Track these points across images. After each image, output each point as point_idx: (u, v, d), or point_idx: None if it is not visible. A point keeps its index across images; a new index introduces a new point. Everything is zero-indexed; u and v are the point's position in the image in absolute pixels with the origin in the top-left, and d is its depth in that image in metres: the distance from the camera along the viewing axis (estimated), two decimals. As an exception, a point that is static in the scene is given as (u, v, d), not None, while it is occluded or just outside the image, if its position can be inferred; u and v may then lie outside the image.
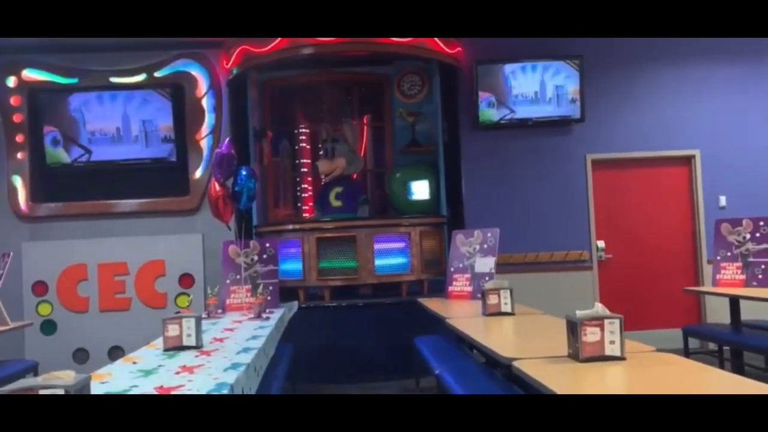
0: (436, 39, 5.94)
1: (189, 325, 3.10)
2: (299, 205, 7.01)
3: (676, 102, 6.46)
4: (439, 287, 6.11)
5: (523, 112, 6.34)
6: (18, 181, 6.34)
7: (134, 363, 2.77)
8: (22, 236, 6.29)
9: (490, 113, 6.35)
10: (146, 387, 2.23)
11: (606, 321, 2.33)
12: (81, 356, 6.24)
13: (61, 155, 6.37)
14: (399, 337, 5.36)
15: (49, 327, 6.21)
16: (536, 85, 6.33)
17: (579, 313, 2.38)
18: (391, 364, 5.55)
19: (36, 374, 5.12)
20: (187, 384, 2.25)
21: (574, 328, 2.37)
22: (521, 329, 3.51)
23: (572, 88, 6.31)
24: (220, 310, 4.72)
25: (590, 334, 2.32)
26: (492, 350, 2.74)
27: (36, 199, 6.39)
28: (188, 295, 6.35)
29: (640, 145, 6.44)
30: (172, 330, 3.10)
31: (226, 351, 3.00)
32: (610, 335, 2.33)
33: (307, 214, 6.82)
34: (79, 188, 6.42)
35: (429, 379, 5.08)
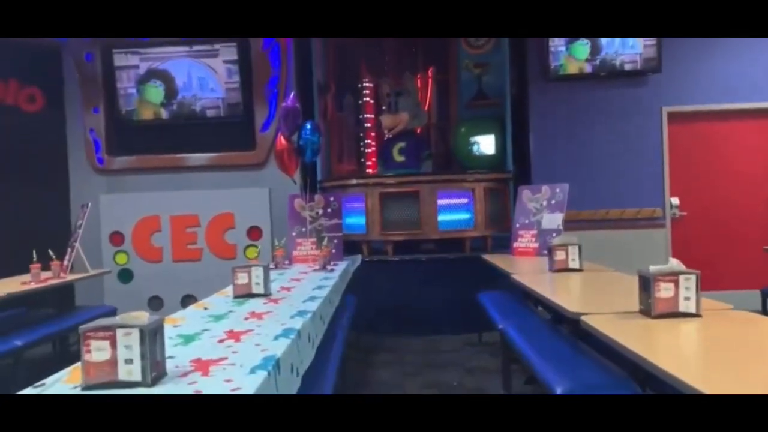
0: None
1: (258, 273, 3.18)
2: (362, 160, 7.02)
3: (759, 49, 6.01)
4: (503, 244, 6.04)
5: (596, 63, 6.06)
6: (95, 135, 6.58)
7: (205, 309, 2.86)
8: (100, 188, 6.56)
9: (561, 65, 6.10)
10: (217, 331, 2.30)
11: (681, 276, 2.24)
12: (155, 304, 6.53)
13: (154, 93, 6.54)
14: (462, 293, 5.35)
15: (125, 275, 6.51)
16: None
17: (652, 268, 2.29)
18: (454, 318, 5.56)
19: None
20: (255, 329, 2.30)
21: (646, 284, 2.28)
22: (589, 285, 3.42)
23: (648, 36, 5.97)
24: (287, 262, 4.82)
25: (664, 290, 2.23)
26: (559, 305, 2.69)
27: (111, 153, 6.64)
28: (257, 247, 6.50)
29: (722, 98, 6.06)
30: (242, 278, 3.18)
31: (292, 299, 3.06)
32: (685, 291, 2.23)
33: (370, 170, 6.83)
34: (150, 143, 6.62)
35: (492, 334, 5.07)
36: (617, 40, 5.98)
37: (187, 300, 6.53)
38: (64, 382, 1.71)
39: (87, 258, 5.23)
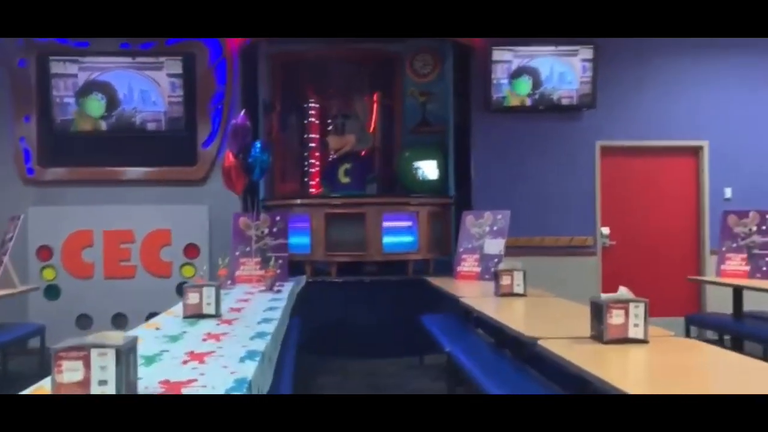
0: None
1: (209, 293, 3.13)
2: (306, 180, 7.01)
3: (687, 92, 6.47)
4: (444, 267, 6.16)
5: (534, 97, 6.33)
6: (25, 144, 6.29)
7: (157, 329, 2.79)
8: (28, 200, 6.25)
9: (502, 97, 6.34)
10: (177, 352, 2.25)
11: (631, 304, 2.37)
12: (84, 322, 6.24)
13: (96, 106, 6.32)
14: (403, 315, 5.41)
15: (52, 292, 6.19)
16: (549, 71, 6.32)
17: (604, 295, 2.42)
18: (397, 340, 5.60)
19: (43, 338, 5.15)
20: (217, 351, 2.27)
21: (599, 310, 2.40)
22: (536, 311, 3.55)
23: (585, 74, 6.30)
24: (229, 282, 4.74)
25: (615, 317, 2.36)
26: (515, 330, 2.78)
27: (42, 164, 6.35)
28: (193, 266, 6.36)
29: (650, 134, 6.46)
30: (193, 298, 3.12)
31: (246, 321, 3.03)
32: (634, 318, 2.37)
33: (313, 190, 6.82)
34: (86, 154, 6.37)
35: (432, 357, 5.15)
36: (556, 75, 6.28)
37: (118, 319, 6.29)
38: (27, 404, 1.64)
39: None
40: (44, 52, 6.28)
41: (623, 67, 6.43)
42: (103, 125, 6.31)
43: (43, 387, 1.80)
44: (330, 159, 6.71)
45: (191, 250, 6.36)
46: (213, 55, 6.39)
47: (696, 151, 6.54)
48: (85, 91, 6.27)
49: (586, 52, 6.30)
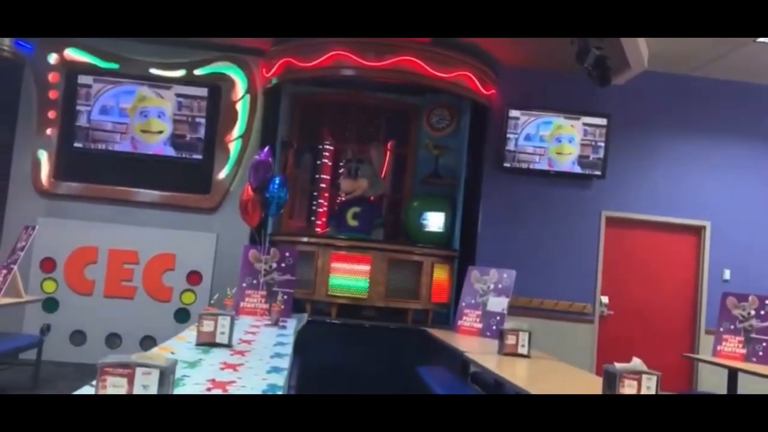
0: (473, 78, 6.10)
1: (224, 323, 3.16)
2: (313, 219, 7.08)
3: (694, 172, 6.66)
4: (442, 318, 6.21)
5: (547, 162, 6.50)
6: (43, 157, 6.37)
7: (172, 353, 2.81)
8: (38, 211, 6.30)
9: (514, 158, 6.51)
10: (198, 378, 2.28)
11: (644, 376, 2.43)
12: (78, 338, 6.23)
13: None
14: (399, 363, 5.42)
15: (51, 305, 6.19)
16: (563, 138, 6.50)
17: (618, 365, 2.48)
18: (392, 389, 5.58)
19: (40, 351, 5.13)
20: (237, 381, 2.30)
21: (612, 379, 2.46)
22: (540, 372, 3.58)
23: (597, 145, 6.48)
24: (233, 312, 4.75)
25: (627, 387, 2.42)
26: (520, 388, 2.82)
27: (58, 177, 6.42)
28: (194, 293, 6.38)
29: (655, 209, 6.61)
30: (207, 326, 3.15)
31: (258, 354, 3.05)
32: (646, 390, 2.42)
33: (319, 229, 6.89)
34: (101, 172, 6.47)
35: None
36: (569, 141, 6.46)
37: (112, 339, 6.28)
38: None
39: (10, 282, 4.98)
40: (74, 69, 6.43)
41: (633, 141, 6.63)
42: (124, 146, 6.42)
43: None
44: (339, 201, 6.81)
45: (194, 277, 6.40)
46: (239, 90, 6.54)
47: (698, 231, 6.68)
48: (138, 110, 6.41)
49: (599, 123, 6.49)
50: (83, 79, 6.40)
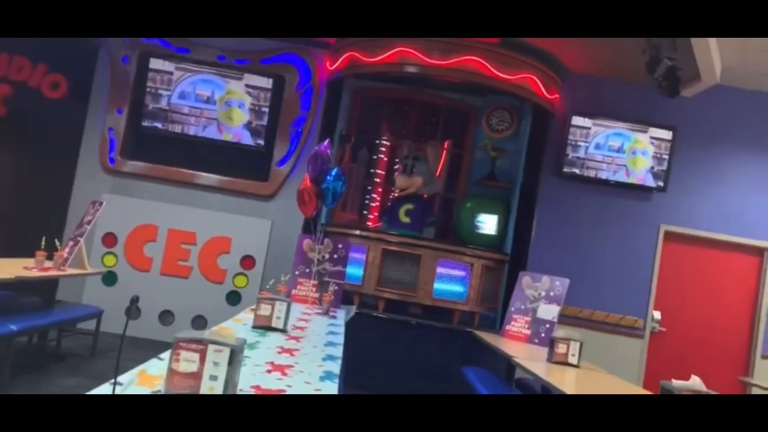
0: (537, 81, 6.03)
1: (281, 308, 3.24)
2: (365, 212, 7.14)
3: (759, 192, 6.43)
4: (488, 322, 6.18)
5: (607, 171, 6.39)
6: (112, 135, 6.61)
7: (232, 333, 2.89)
8: (104, 188, 6.54)
9: (574, 165, 6.42)
10: (257, 360, 2.35)
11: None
12: (133, 312, 6.44)
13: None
14: (443, 363, 5.44)
15: (110, 278, 6.42)
16: (624, 148, 6.38)
17: (675, 382, 2.43)
18: (434, 387, 5.59)
19: (99, 321, 5.33)
20: (295, 366, 2.36)
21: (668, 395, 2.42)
22: (590, 384, 3.54)
23: (660, 157, 6.33)
24: (289, 299, 4.84)
25: (685, 405, 2.37)
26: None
27: (125, 156, 6.65)
28: (246, 276, 6.52)
29: (716, 227, 6.42)
30: (264, 310, 3.23)
31: (312, 341, 3.11)
32: (705, 410, 2.36)
33: (370, 223, 6.94)
34: (166, 153, 6.67)
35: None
36: (632, 152, 6.33)
37: (165, 316, 6.47)
38: (137, 385, 1.75)
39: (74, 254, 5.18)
40: (146, 51, 6.64)
41: (698, 155, 6.45)
42: (189, 129, 6.61)
43: (144, 370, 1.91)
44: (392, 196, 6.84)
45: (247, 262, 6.54)
46: (302, 81, 6.64)
47: (761, 252, 6.46)
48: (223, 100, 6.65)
49: (665, 135, 6.34)
50: (159, 63, 6.60)
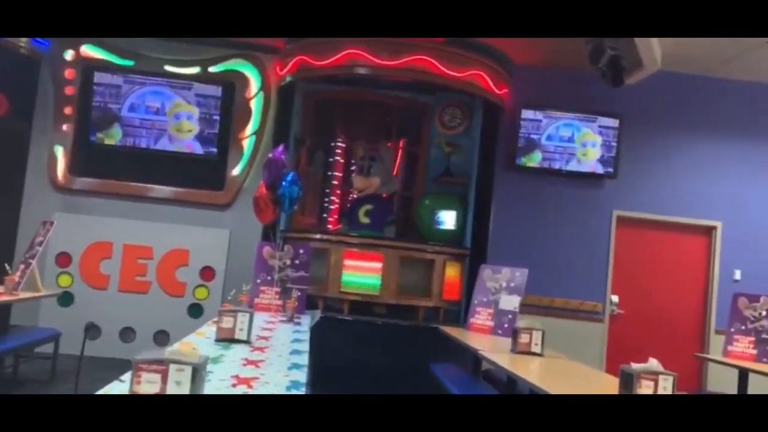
0: (486, 77, 6.11)
1: (243, 319, 3.21)
2: (324, 215, 7.13)
3: (706, 173, 6.66)
4: (453, 316, 6.24)
5: (557, 161, 6.52)
6: (59, 152, 6.44)
7: (194, 349, 2.85)
8: (55, 206, 6.37)
9: (526, 157, 6.53)
10: (222, 374, 2.33)
11: (661, 376, 2.46)
12: (92, 332, 6.27)
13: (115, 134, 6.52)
14: (411, 360, 5.47)
15: (66, 299, 6.26)
16: (574, 138, 6.52)
17: (634, 365, 2.51)
18: (404, 386, 5.62)
19: (57, 344, 5.20)
20: (260, 377, 2.35)
21: (629, 379, 2.49)
22: (555, 372, 3.61)
23: (608, 145, 6.49)
24: (252, 309, 4.80)
25: (645, 387, 2.45)
26: (537, 387, 2.86)
27: (74, 172, 6.49)
28: (207, 288, 6.44)
29: (666, 209, 6.62)
30: (227, 322, 3.19)
31: (277, 350, 3.10)
32: (663, 390, 2.45)
33: (330, 226, 6.94)
34: (117, 168, 6.54)
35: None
36: (582, 142, 6.48)
37: (126, 333, 6.34)
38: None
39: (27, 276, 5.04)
40: (90, 66, 6.49)
41: (645, 141, 6.63)
42: (140, 142, 6.49)
43: (105, 394, 1.88)
44: (351, 198, 6.85)
45: (207, 273, 6.46)
46: (252, 87, 6.59)
47: (709, 231, 6.69)
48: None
49: (612, 123, 6.50)
50: (105, 77, 6.46)
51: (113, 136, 6.51)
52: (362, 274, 5.93)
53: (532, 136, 6.55)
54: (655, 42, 5.75)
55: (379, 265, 5.90)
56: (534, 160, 6.55)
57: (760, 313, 5.16)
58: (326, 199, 7.13)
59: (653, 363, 2.49)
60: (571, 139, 6.54)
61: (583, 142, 6.54)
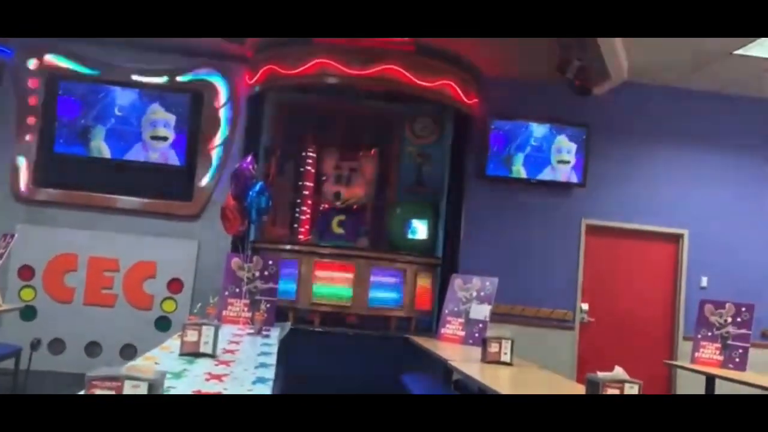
0: (455, 87, 6.14)
1: (208, 333, 3.15)
2: (295, 226, 7.07)
3: (672, 182, 6.76)
4: (425, 326, 6.22)
5: (527, 170, 6.56)
6: (22, 163, 6.30)
7: (156, 363, 2.79)
8: (17, 218, 6.22)
9: (497, 167, 6.56)
10: (183, 389, 2.27)
11: (626, 384, 2.46)
12: (57, 347, 6.14)
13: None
14: (383, 371, 5.42)
15: (29, 313, 6.10)
16: (543, 148, 6.57)
17: (600, 374, 2.51)
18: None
19: (18, 360, 5.05)
20: (223, 392, 2.30)
21: (594, 388, 2.49)
22: (524, 381, 3.62)
23: (576, 154, 6.56)
24: (216, 321, 4.72)
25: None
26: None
27: (37, 183, 6.34)
28: (175, 300, 6.33)
29: (634, 218, 6.70)
30: (191, 336, 3.13)
31: (243, 364, 3.04)
32: (628, 398, 2.45)
33: (302, 236, 6.88)
34: (81, 179, 6.41)
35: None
36: (550, 152, 6.53)
37: (92, 347, 6.21)
38: None
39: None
40: (55, 75, 6.36)
41: (612, 151, 6.71)
42: (106, 152, 6.38)
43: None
44: (323, 208, 6.81)
45: (175, 285, 6.35)
46: (221, 97, 6.52)
47: (677, 239, 6.79)
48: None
49: (579, 133, 6.57)
50: (70, 87, 6.35)
51: (98, 146, 6.41)
52: (333, 284, 5.89)
53: (502, 145, 6.58)
54: (622, 53, 5.84)
55: (350, 275, 5.86)
56: (504, 169, 6.58)
57: (725, 320, 5.24)
58: (297, 210, 7.08)
59: (618, 371, 2.50)
60: (540, 149, 6.59)
61: (552, 151, 6.58)
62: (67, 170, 6.40)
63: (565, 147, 6.59)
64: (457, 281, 5.43)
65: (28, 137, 6.33)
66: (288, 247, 6.16)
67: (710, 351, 5.24)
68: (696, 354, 5.30)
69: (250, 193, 5.12)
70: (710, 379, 5.16)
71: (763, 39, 5.36)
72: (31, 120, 6.33)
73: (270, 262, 5.13)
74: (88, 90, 6.39)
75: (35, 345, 1.67)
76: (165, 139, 6.42)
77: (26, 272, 6.16)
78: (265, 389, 2.42)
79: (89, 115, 6.38)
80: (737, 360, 5.08)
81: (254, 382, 2.56)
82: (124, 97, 6.43)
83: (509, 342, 3.98)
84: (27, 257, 6.14)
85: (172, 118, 6.44)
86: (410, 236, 6.61)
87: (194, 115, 6.47)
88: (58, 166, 6.41)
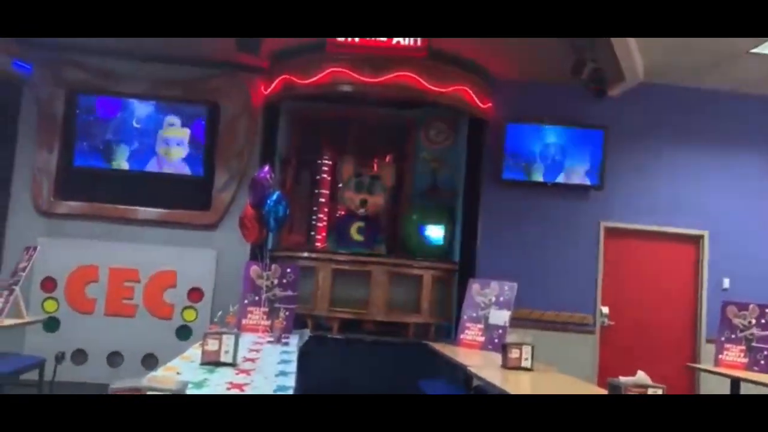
0: (470, 92, 6.14)
1: (229, 342, 3.18)
2: (312, 233, 7.09)
3: (692, 183, 6.68)
4: (443, 332, 6.21)
5: (545, 174, 6.53)
6: (43, 176, 6.38)
7: (178, 373, 2.82)
8: (39, 231, 6.31)
9: (513, 171, 6.53)
10: (205, 399, 2.29)
11: (650, 389, 2.44)
12: (79, 358, 6.21)
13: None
14: (401, 378, 5.41)
15: (52, 324, 6.18)
16: (561, 150, 6.54)
17: (622, 378, 2.49)
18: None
19: (42, 371, 5.11)
20: (244, 401, 2.31)
21: (616, 392, 2.47)
22: (545, 386, 3.59)
23: (594, 156, 6.51)
24: (235, 329, 4.75)
25: (633, 400, 2.42)
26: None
27: (58, 196, 6.44)
28: (195, 309, 6.38)
29: (653, 219, 6.63)
30: (212, 345, 3.16)
31: (263, 372, 3.06)
32: (651, 403, 2.42)
33: (319, 244, 6.90)
34: (101, 190, 6.49)
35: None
36: (567, 154, 6.49)
37: (113, 357, 6.27)
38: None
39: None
40: (74, 88, 6.46)
41: (630, 152, 6.65)
42: (125, 164, 6.46)
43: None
44: (339, 215, 6.82)
45: (195, 294, 6.40)
46: (238, 107, 6.58)
47: (697, 240, 6.70)
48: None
49: (597, 135, 6.52)
50: (89, 100, 6.45)
51: (121, 159, 6.51)
52: (351, 291, 5.90)
53: (518, 149, 6.55)
54: (635, 54, 5.80)
55: (368, 282, 5.87)
56: (520, 173, 6.55)
57: (749, 321, 5.16)
58: (314, 217, 7.10)
59: (641, 375, 2.48)
60: (557, 152, 6.56)
61: (567, 153, 6.54)
62: (87, 183, 6.50)
63: (576, 149, 6.53)
64: (474, 286, 5.41)
65: (48, 151, 6.42)
66: (305, 254, 6.18)
67: (734, 353, 5.16)
68: (720, 356, 5.22)
69: (268, 201, 5.16)
70: (735, 382, 5.08)
71: (780, 36, 5.29)
72: (51, 134, 6.42)
73: (288, 270, 5.16)
74: (106, 103, 6.47)
75: (59, 358, 1.71)
76: (178, 155, 6.49)
77: (49, 284, 6.24)
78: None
79: (108, 129, 6.46)
80: (762, 362, 4.99)
81: (275, 390, 2.58)
82: (141, 109, 6.50)
83: (530, 348, 3.96)
84: (49, 269, 6.23)
85: (185, 134, 6.51)
86: (427, 242, 6.60)
87: (211, 125, 6.52)
88: (79, 179, 6.49)
